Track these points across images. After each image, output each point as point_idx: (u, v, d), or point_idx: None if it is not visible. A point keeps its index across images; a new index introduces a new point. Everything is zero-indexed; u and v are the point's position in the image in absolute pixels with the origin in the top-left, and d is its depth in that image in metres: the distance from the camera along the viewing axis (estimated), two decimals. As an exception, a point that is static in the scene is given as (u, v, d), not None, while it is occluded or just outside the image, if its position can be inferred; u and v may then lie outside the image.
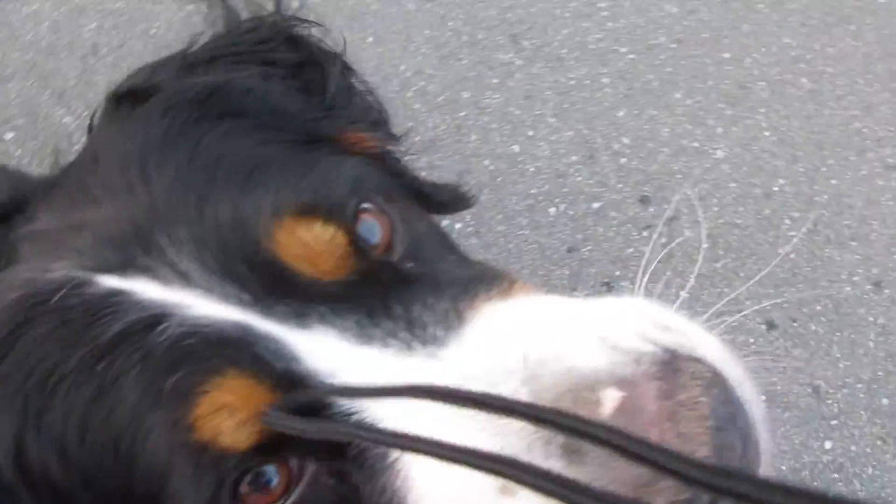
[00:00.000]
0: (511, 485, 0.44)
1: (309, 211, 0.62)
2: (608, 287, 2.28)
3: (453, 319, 0.58)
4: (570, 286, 2.28)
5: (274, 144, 0.71)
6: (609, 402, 0.48)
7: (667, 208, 2.37)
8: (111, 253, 0.62)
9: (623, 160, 2.42)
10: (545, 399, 0.49)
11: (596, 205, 2.37)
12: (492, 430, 0.51)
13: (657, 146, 2.44)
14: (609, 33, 2.58)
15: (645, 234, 2.34)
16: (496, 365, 0.54)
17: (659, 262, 2.36)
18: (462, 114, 2.44)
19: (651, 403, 0.47)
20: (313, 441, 0.54)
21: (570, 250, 2.32)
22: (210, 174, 0.64)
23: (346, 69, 0.93)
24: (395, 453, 0.56)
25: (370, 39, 2.50)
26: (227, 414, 0.55)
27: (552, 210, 2.36)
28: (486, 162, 2.39)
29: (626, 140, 2.45)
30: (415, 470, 0.56)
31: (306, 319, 0.58)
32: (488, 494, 0.52)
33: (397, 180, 0.85)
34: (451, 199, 0.95)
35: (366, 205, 0.67)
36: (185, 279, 0.59)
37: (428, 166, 2.36)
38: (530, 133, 2.44)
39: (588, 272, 2.30)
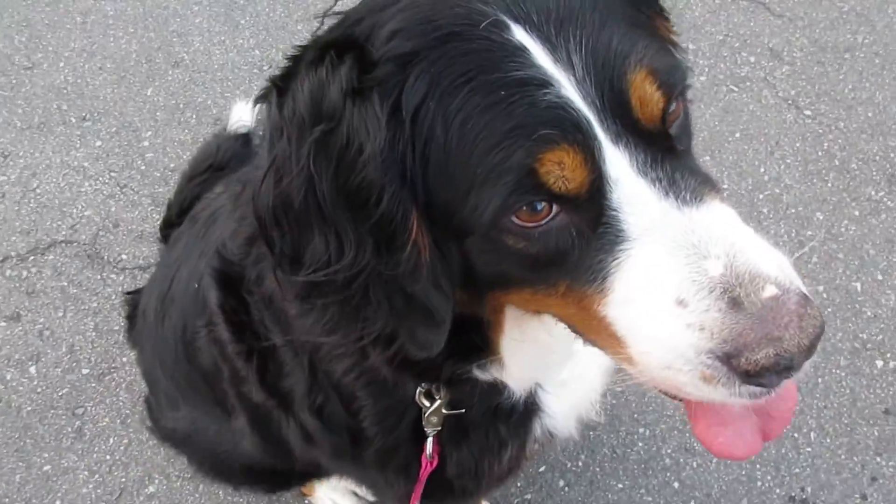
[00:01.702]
0: (685, 296, 0.77)
1: (658, 75, 0.83)
2: (922, 470, 1.99)
3: (697, 194, 0.82)
4: (876, 449, 2.02)
5: (636, 7, 0.92)
6: (768, 291, 0.76)
7: None
8: (535, 15, 0.83)
9: (984, 343, 2.12)
10: (734, 272, 0.77)
11: (935, 377, 2.09)
12: (693, 268, 0.78)
13: None
14: None
15: None
16: (713, 236, 0.79)
17: None
18: (809, 233, 2.32)
19: (792, 304, 0.76)
20: (583, 204, 0.82)
21: (886, 412, 2.06)
22: (608, 7, 0.86)
23: None
24: (625, 245, 0.81)
25: (737, 135, 2.50)
26: (558, 165, 0.80)
27: (879, 363, 2.12)
28: (821, 288, 2.23)
29: None
30: (629, 262, 0.81)
31: (620, 139, 0.81)
32: (668, 302, 0.79)
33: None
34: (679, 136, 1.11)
35: (683, 94, 0.89)
36: (570, 68, 0.81)
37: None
38: (879, 277, 2.24)
39: (901, 444, 2.02)
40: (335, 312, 0.94)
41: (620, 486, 2.06)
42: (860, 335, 2.16)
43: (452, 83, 0.82)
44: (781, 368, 0.75)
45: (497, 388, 1.15)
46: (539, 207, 0.81)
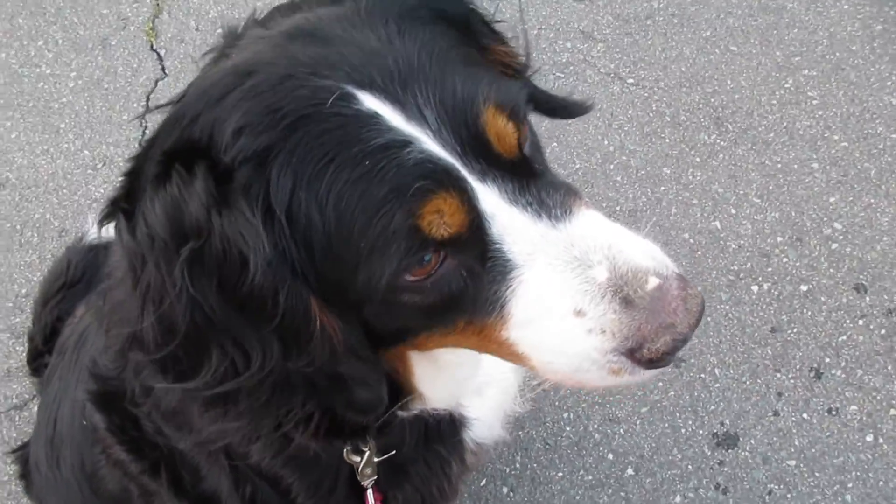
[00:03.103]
0: (580, 306, 0.83)
1: (506, 108, 0.87)
2: (817, 374, 2.14)
3: (565, 207, 0.87)
4: (774, 367, 2.16)
5: (468, 46, 0.96)
6: (651, 283, 0.83)
7: (887, 299, 2.21)
8: (379, 79, 0.84)
9: (835, 245, 2.32)
10: (618, 273, 0.83)
11: (804, 287, 2.26)
12: (581, 279, 0.83)
13: (875, 234, 2.31)
14: (819, 120, 2.53)
15: (861, 322, 2.19)
16: (591, 245, 0.85)
17: (878, 353, 2.22)
18: (662, 188, 2.47)
19: (675, 289, 0.83)
20: (466, 244, 0.85)
21: (773, 330, 2.21)
22: (445, 54, 0.89)
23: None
24: (514, 273, 0.85)
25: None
26: (438, 214, 0.82)
27: (755, 288, 2.28)
28: (686, 235, 2.38)
29: (838, 226, 2.35)
30: (522, 287, 0.85)
31: (487, 176, 0.85)
32: (566, 315, 0.84)
33: (531, 91, 1.08)
34: (569, 107, 1.16)
35: (528, 115, 0.94)
36: (423, 122, 0.83)
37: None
38: (733, 211, 2.41)
39: (793, 355, 2.17)
40: (248, 412, 0.91)
41: (560, 474, 2.09)
42: (731, 267, 2.31)
43: (316, 167, 0.82)
44: (675, 348, 0.83)
45: (423, 416, 1.16)
46: (427, 258, 0.84)
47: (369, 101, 0.83)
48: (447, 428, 1.24)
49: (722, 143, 2.54)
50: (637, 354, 0.83)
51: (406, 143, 0.82)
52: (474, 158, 0.84)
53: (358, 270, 0.83)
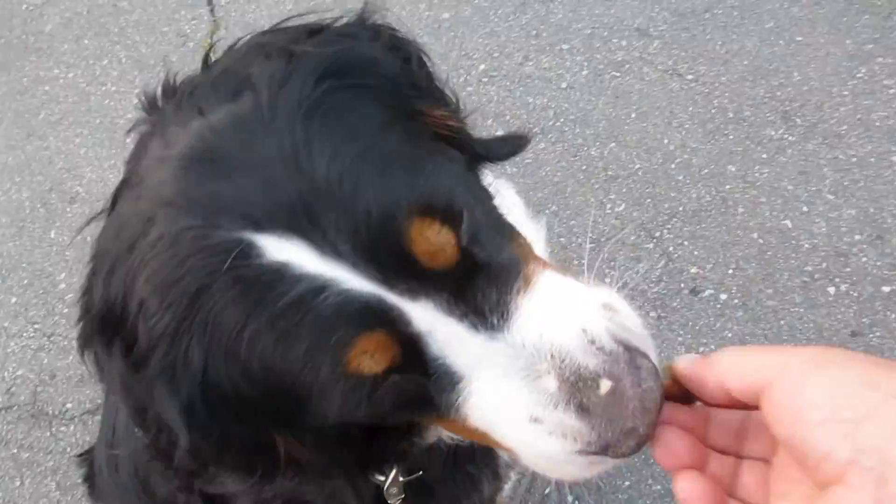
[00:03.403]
0: (536, 414, 0.78)
1: (433, 215, 0.79)
2: (899, 378, 2.02)
3: (504, 310, 0.80)
4: (853, 371, 2.05)
5: (395, 124, 0.86)
6: (604, 387, 0.76)
7: (974, 296, 2.08)
8: (282, 215, 0.75)
9: (918, 242, 2.20)
10: (566, 381, 0.77)
11: (886, 288, 2.15)
12: (531, 390, 0.78)
13: (960, 229, 2.18)
14: (896, 111, 2.41)
15: (947, 323, 2.07)
16: (534, 352, 0.78)
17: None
18: (727, 187, 2.38)
19: (629, 389, 0.76)
20: (406, 366, 0.79)
21: (853, 334, 2.11)
22: (357, 159, 0.79)
23: (424, 57, 1.04)
24: (462, 384, 0.80)
25: (633, 115, 2.57)
26: (368, 356, 0.77)
27: (832, 290, 2.18)
28: (755, 235, 2.29)
29: (920, 221, 2.23)
30: (474, 397, 0.80)
31: (418, 294, 0.77)
32: (523, 422, 0.79)
33: (467, 151, 0.98)
34: (511, 150, 1.08)
35: (465, 212, 0.83)
36: (338, 257, 0.75)
37: (691, 235, 2.32)
38: (805, 209, 2.31)
39: (874, 359, 2.06)
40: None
41: (627, 483, 2.04)
42: (805, 268, 2.22)
43: (230, 339, 0.77)
44: (639, 448, 0.78)
45: (443, 441, 1.13)
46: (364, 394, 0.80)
47: (273, 249, 0.75)
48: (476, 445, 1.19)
49: (790, 138, 2.44)
50: (605, 452, 0.77)
51: (320, 289, 0.74)
52: (402, 280, 0.76)
53: (304, 413, 0.81)
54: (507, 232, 0.91)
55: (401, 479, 1.12)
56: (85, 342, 0.90)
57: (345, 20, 1.00)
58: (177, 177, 0.81)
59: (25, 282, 2.59)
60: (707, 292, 2.23)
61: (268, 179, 0.77)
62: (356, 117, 0.83)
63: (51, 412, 2.32)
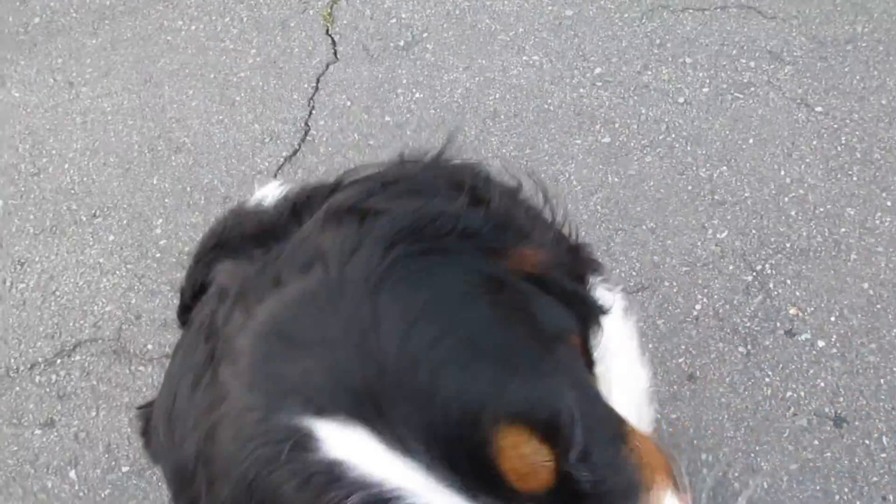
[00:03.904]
0: None
1: (531, 427, 0.64)
2: None
3: None
4: (956, 447, 1.92)
5: (479, 295, 0.74)
6: None
7: None
8: (347, 400, 0.65)
9: None
10: None
11: None
12: None
13: None
14: None
15: None
16: None
17: None
18: (843, 230, 2.25)
19: None
20: None
21: (959, 405, 1.97)
22: (433, 343, 0.67)
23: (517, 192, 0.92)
24: None
25: (751, 141, 2.46)
26: None
27: (942, 355, 2.03)
28: (865, 285, 2.16)
29: None
30: None
31: None
32: None
33: (572, 308, 0.84)
34: (598, 313, 0.91)
35: (575, 425, 0.67)
36: (409, 457, 0.62)
37: (795, 275, 2.20)
38: (924, 265, 2.16)
39: (982, 437, 1.92)
40: None
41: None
42: (915, 328, 2.08)
43: None
44: None
45: None
46: None
47: (331, 441, 0.65)
48: None
49: (920, 187, 2.29)
50: None
51: (384, 501, 0.62)
52: (484, 496, 0.63)
53: None
54: (621, 435, 0.75)
55: None
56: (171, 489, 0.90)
57: (426, 160, 0.90)
58: (248, 352, 0.76)
59: (124, 222, 2.68)
60: (804, 336, 2.12)
61: (333, 362, 0.68)
62: (433, 289, 0.73)
63: (132, 350, 2.40)
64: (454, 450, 0.63)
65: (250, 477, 0.71)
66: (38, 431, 2.26)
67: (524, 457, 0.63)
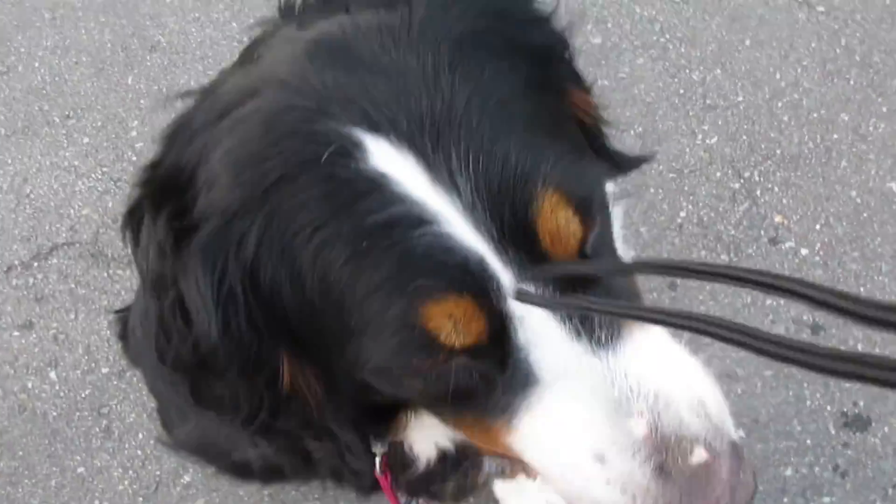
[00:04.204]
0: (605, 453, 0.68)
1: (573, 199, 0.69)
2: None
3: (614, 331, 0.69)
4: (931, 354, 1.92)
5: (545, 93, 0.77)
6: (697, 456, 0.66)
7: None
8: (404, 123, 0.66)
9: None
10: (660, 434, 0.66)
11: None
12: (614, 427, 0.67)
13: None
14: None
15: None
16: (635, 387, 0.68)
17: None
18: (835, 136, 2.19)
19: (724, 472, 0.66)
20: (483, 350, 0.69)
21: (938, 314, 1.95)
22: (505, 105, 0.70)
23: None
24: (535, 389, 0.70)
25: (748, 42, 2.35)
26: (449, 319, 0.66)
27: (926, 263, 2.01)
28: (853, 193, 2.11)
29: None
30: (540, 407, 0.70)
31: (525, 273, 0.67)
32: (585, 456, 0.69)
33: (600, 152, 0.90)
34: (632, 164, 0.97)
35: (602, 206, 0.75)
36: (453, 190, 0.65)
37: (783, 182, 2.15)
38: (916, 173, 2.10)
39: (958, 345, 1.92)
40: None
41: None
42: (901, 237, 2.05)
43: (295, 238, 0.68)
44: None
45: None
46: (423, 357, 0.70)
47: (380, 155, 0.66)
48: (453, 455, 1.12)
49: (918, 92, 2.20)
50: None
51: (419, 220, 0.65)
52: (513, 248, 0.66)
53: (346, 346, 0.71)
54: (619, 257, 0.82)
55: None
56: (132, 209, 0.82)
57: None
58: (299, 58, 0.73)
59: (99, 124, 2.60)
60: (788, 244, 2.08)
61: (400, 87, 0.68)
62: (507, 67, 0.74)
63: (110, 254, 2.38)
64: (498, 200, 0.66)
65: (273, 178, 0.69)
66: (16, 333, 2.26)
67: (559, 222, 0.68)
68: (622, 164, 0.95)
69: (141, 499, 2.04)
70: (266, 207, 0.69)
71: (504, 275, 0.67)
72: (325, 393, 0.78)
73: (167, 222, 0.74)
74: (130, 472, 2.07)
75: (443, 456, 1.08)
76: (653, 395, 0.68)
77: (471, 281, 0.66)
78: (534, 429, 0.72)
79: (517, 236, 0.67)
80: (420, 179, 0.65)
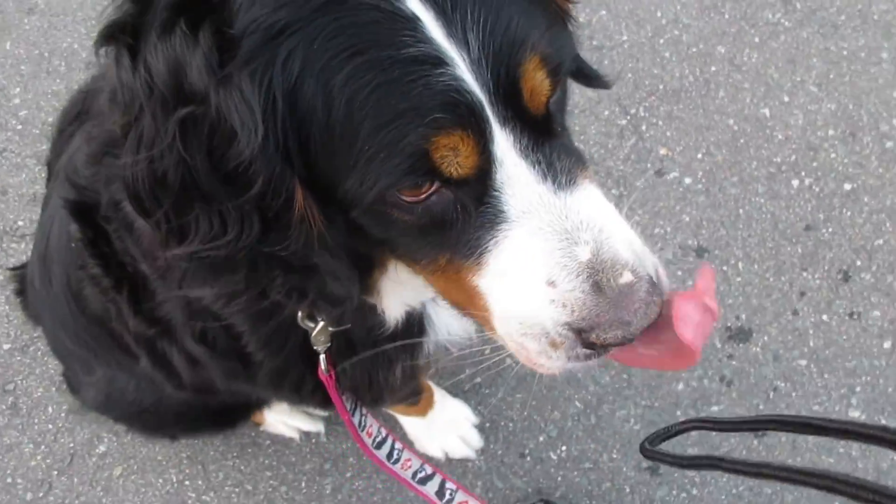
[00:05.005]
0: (555, 278, 0.83)
1: (550, 63, 0.83)
2: (845, 276, 2.06)
3: (571, 177, 0.85)
4: (801, 265, 2.08)
5: None
6: (625, 277, 0.82)
7: (935, 205, 2.08)
8: None
9: (889, 144, 2.16)
10: (599, 258, 0.82)
11: (848, 186, 2.13)
12: (564, 253, 0.84)
13: (936, 135, 2.14)
14: (899, 7, 2.30)
15: (902, 227, 2.07)
16: (584, 222, 0.83)
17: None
18: (713, 69, 2.30)
19: (643, 291, 0.83)
20: (468, 184, 0.83)
21: (807, 228, 2.11)
22: None
23: None
24: (503, 226, 0.84)
25: (629, -19, 2.43)
26: (453, 151, 0.79)
27: (795, 183, 2.16)
28: (731, 121, 2.23)
29: (897, 123, 2.18)
30: (506, 242, 0.84)
31: (507, 123, 0.81)
32: (538, 281, 0.84)
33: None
34: (595, 78, 1.12)
35: (567, 75, 0.91)
36: (465, 46, 0.77)
37: (666, 116, 2.25)
38: (786, 99, 2.24)
39: (824, 255, 2.08)
40: (227, 280, 0.90)
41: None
42: (774, 159, 2.19)
43: (335, 59, 0.76)
44: (621, 343, 0.85)
45: (373, 309, 1.13)
46: (421, 183, 0.83)
47: (413, 3, 0.76)
48: (402, 329, 1.22)
49: (786, 23, 2.33)
50: (584, 335, 0.84)
51: (440, 61, 0.76)
52: (503, 102, 0.80)
53: (351, 172, 0.80)
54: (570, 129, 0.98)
55: (329, 329, 1.13)
56: (122, 23, 0.79)
57: None
58: None
59: (-22, 93, 2.48)
60: (672, 175, 2.20)
61: None
62: None
63: (2, 228, 2.30)
64: (497, 59, 0.78)
65: (321, 0, 0.75)
66: None
67: (537, 80, 0.82)
68: (583, 70, 1.08)
69: (56, 472, 2.02)
70: (312, 28, 0.76)
71: (494, 123, 0.80)
72: (323, 228, 0.87)
73: (212, 37, 0.75)
74: (42, 446, 2.04)
75: (403, 326, 1.19)
76: (598, 228, 0.84)
77: (474, 122, 0.79)
78: (498, 263, 0.86)
79: (507, 92, 0.80)
80: (441, 31, 0.77)
